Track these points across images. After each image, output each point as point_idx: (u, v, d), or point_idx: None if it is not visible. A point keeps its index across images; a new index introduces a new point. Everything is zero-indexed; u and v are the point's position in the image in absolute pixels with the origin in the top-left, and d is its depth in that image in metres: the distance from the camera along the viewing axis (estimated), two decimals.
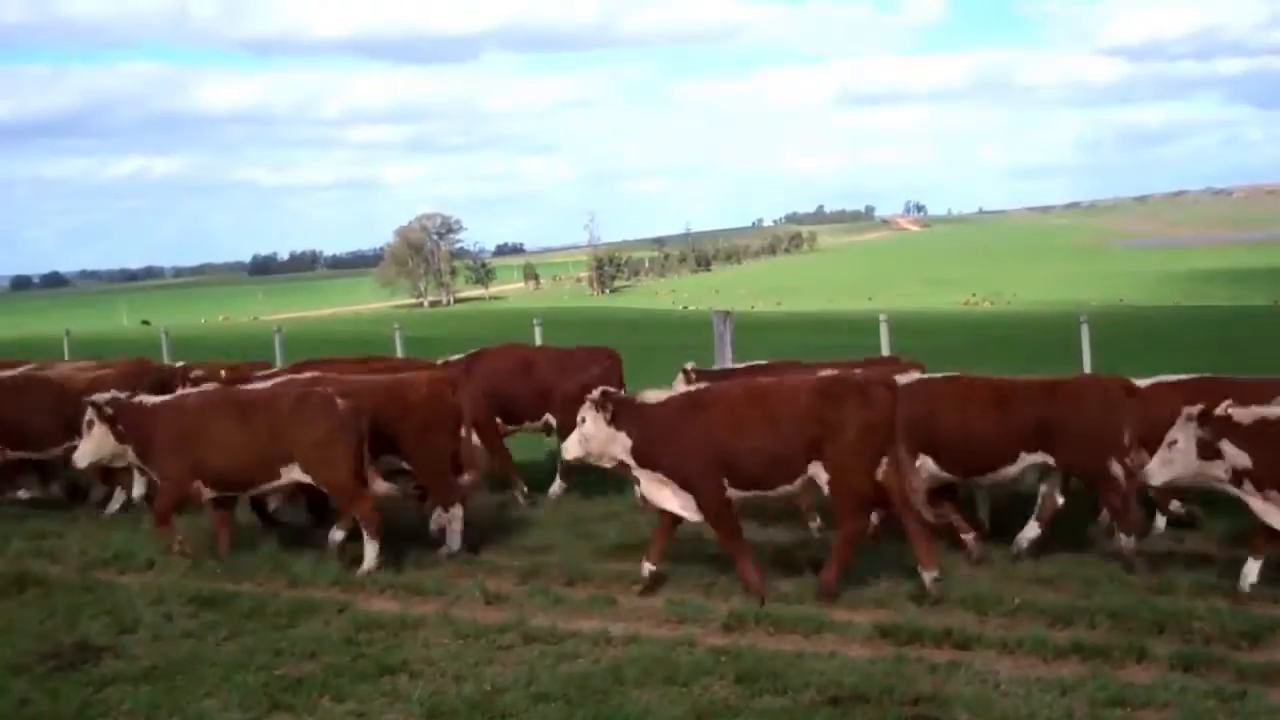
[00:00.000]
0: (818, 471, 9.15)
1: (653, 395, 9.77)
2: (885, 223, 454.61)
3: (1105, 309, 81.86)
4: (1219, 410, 8.70)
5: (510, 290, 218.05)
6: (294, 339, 21.37)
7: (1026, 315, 79.39)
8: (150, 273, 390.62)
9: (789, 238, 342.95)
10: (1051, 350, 20.42)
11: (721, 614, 8.70)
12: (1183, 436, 8.74)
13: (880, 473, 9.11)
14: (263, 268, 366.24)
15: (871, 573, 9.65)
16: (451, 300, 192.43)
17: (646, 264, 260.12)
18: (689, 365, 12.72)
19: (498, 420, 13.28)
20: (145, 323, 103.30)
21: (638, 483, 9.68)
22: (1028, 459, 9.96)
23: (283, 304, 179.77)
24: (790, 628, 8.40)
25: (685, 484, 9.35)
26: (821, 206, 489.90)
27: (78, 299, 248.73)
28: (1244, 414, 8.68)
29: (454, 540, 10.84)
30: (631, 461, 9.51)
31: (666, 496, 9.43)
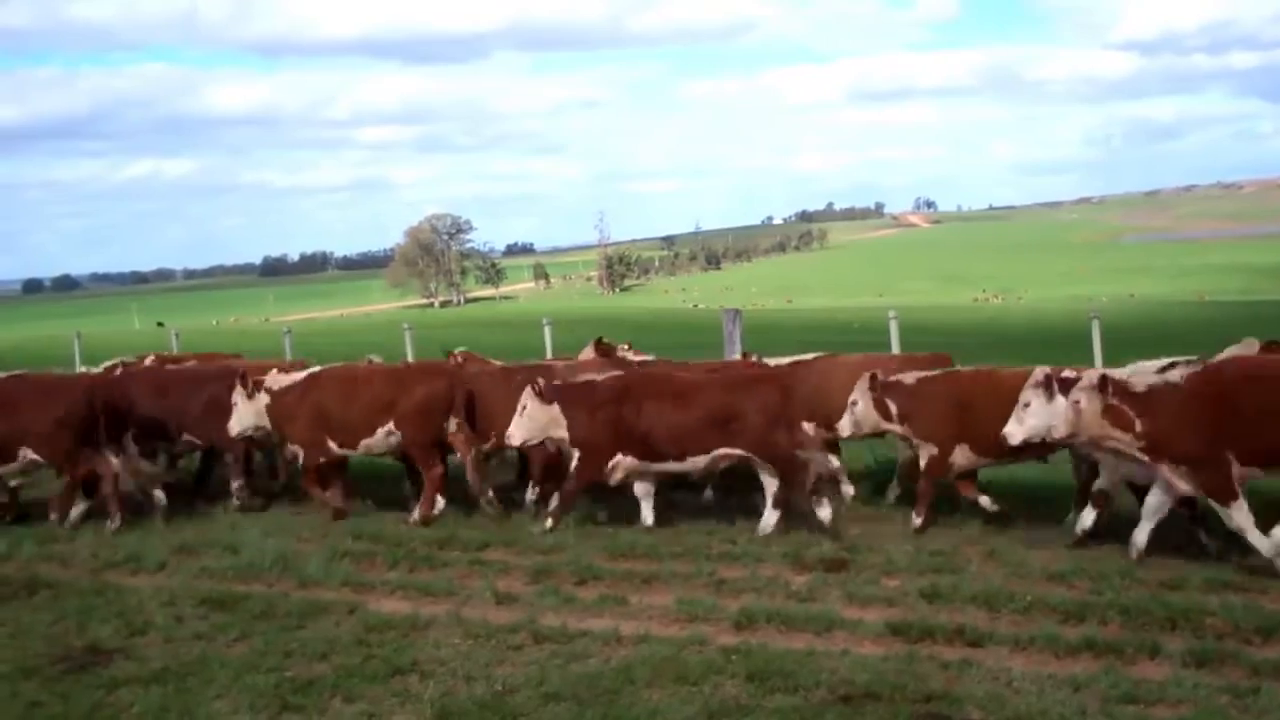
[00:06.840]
0: None
1: None
2: (895, 219, 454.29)
3: (1116, 304, 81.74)
4: None
5: (520, 290, 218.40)
6: (303, 340, 21.39)
7: (1038, 311, 79.24)
8: (161, 275, 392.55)
9: (799, 235, 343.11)
10: (1064, 347, 20.36)
11: (732, 612, 8.66)
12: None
13: None
14: (274, 269, 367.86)
15: (883, 570, 9.63)
16: (462, 300, 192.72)
17: (656, 263, 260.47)
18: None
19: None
20: (160, 324, 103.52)
21: None
22: None
23: (294, 306, 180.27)
24: (801, 626, 8.36)
25: None
26: (831, 203, 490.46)
27: (89, 302, 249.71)
28: None
29: None
30: None
31: None
